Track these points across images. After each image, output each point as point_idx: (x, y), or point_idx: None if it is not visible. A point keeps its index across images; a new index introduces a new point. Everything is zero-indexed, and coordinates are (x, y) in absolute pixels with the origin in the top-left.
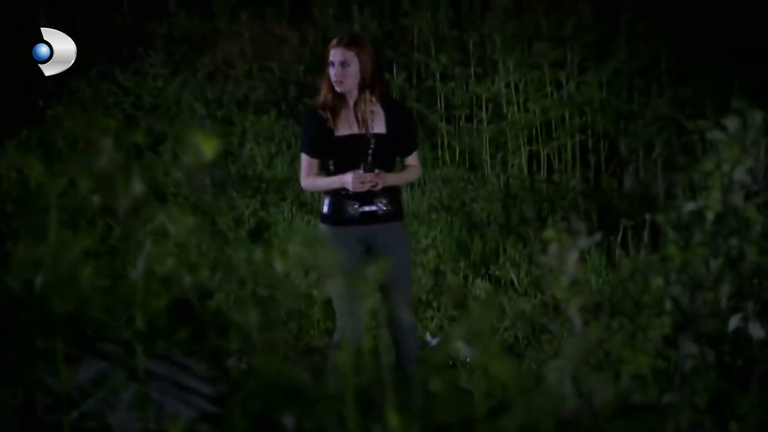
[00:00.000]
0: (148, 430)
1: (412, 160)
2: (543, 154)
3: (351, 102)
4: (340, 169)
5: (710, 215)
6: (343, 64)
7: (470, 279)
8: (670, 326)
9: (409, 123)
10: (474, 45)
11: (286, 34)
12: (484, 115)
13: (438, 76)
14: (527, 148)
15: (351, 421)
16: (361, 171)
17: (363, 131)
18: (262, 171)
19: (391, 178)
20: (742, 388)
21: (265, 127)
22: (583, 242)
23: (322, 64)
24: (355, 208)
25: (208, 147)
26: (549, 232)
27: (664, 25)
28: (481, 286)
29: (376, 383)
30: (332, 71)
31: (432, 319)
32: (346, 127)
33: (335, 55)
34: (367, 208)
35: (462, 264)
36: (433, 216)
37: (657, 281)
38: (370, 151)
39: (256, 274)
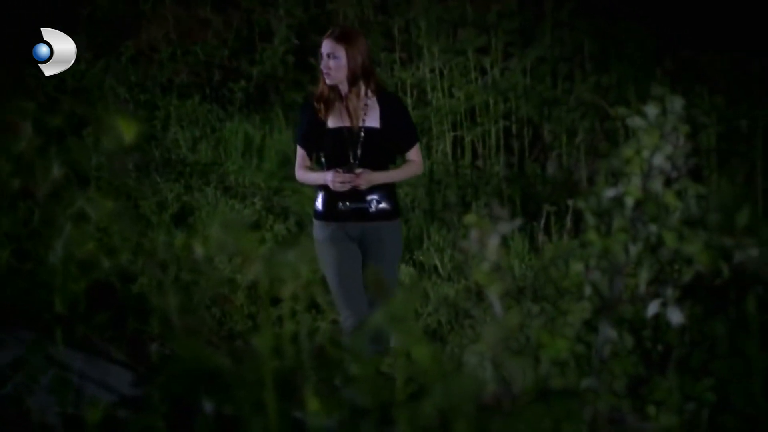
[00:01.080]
0: (67, 414)
1: (413, 155)
2: (467, 140)
3: (343, 95)
4: (330, 162)
5: (630, 201)
6: (331, 56)
7: None
8: (590, 311)
9: (406, 117)
10: (399, 30)
11: (211, 18)
12: (408, 100)
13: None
14: (451, 133)
15: (270, 406)
16: (341, 170)
17: (353, 124)
18: (186, 155)
19: (379, 177)
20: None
21: (189, 111)
22: (504, 227)
23: (247, 47)
24: (346, 205)
25: (128, 131)
26: (470, 218)
27: (588, 12)
28: (405, 272)
29: (296, 368)
30: (322, 63)
31: None
32: (337, 120)
33: (324, 46)
34: (357, 205)
35: None
36: None
37: (577, 267)
38: (359, 145)
39: (178, 258)
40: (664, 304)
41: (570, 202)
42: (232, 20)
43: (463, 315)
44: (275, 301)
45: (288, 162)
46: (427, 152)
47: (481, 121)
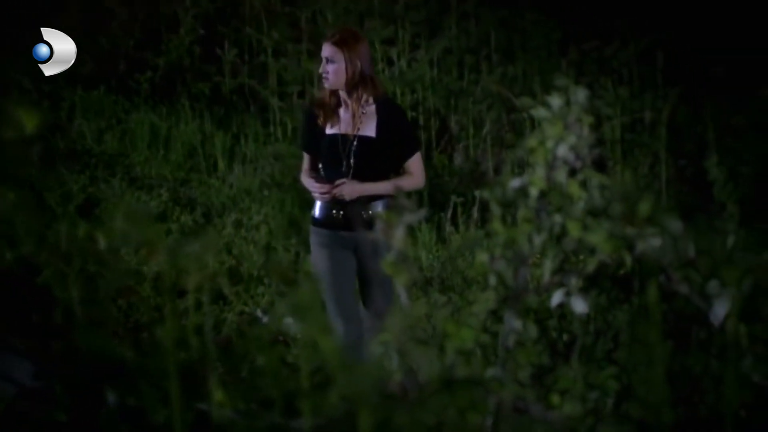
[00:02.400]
0: None
1: (412, 166)
2: None
3: (343, 99)
4: (326, 169)
5: (534, 191)
6: (329, 60)
7: (301, 255)
8: (495, 301)
9: (405, 127)
10: (306, 21)
11: (116, 9)
12: (315, 91)
13: (270, 52)
14: None
15: (174, 398)
16: (322, 180)
17: (347, 132)
18: (92, 146)
19: (365, 188)
20: (565, 361)
21: (94, 102)
22: (410, 218)
23: (153, 38)
24: (339, 213)
25: (29, 121)
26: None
27: (493, 3)
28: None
29: (201, 360)
30: (321, 67)
31: (263, 295)
32: (334, 127)
33: (323, 50)
34: (350, 214)
35: (294, 240)
36: (265, 192)
37: (482, 257)
38: (351, 154)
39: (82, 250)
40: (568, 294)
41: (477, 193)
42: (138, 11)
43: None
44: (182, 292)
45: (195, 152)
46: None
47: None
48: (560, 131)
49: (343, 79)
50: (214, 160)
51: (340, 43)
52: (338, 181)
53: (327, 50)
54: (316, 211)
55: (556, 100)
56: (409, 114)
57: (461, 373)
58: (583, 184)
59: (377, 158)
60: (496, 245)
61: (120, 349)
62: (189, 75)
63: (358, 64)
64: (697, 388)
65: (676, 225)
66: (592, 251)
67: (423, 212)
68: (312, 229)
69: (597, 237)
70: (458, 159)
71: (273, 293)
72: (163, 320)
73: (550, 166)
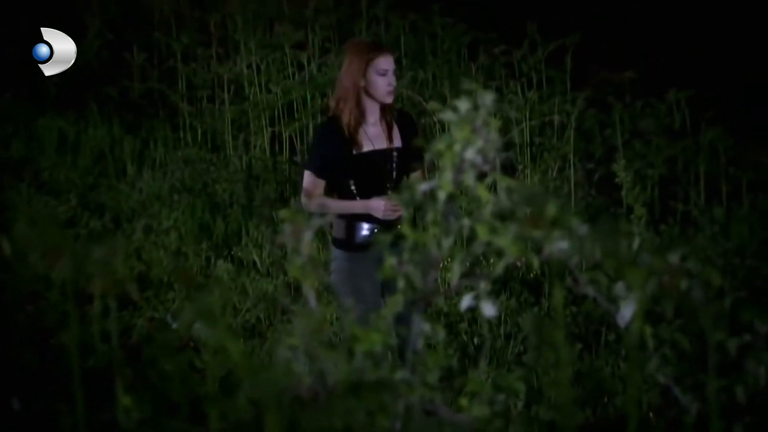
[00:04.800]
0: None
1: (421, 173)
2: (285, 135)
3: (376, 114)
4: (365, 190)
5: (442, 195)
6: (394, 72)
7: (212, 260)
8: (403, 304)
9: (417, 131)
10: (215, 26)
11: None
12: (226, 95)
13: (179, 56)
14: (269, 129)
15: (79, 404)
16: (385, 197)
17: (384, 146)
18: None
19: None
20: (474, 364)
21: (0, 108)
22: (317, 222)
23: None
24: (372, 231)
25: None
26: (284, 212)
27: (403, 7)
28: (223, 267)
29: (107, 365)
30: (383, 81)
31: (173, 300)
32: (366, 143)
33: (388, 63)
34: (388, 230)
35: (204, 245)
36: (175, 197)
37: (390, 260)
38: (393, 167)
39: None
40: (477, 298)
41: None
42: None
43: (282, 310)
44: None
45: (103, 157)
46: (245, 148)
47: (299, 117)
48: (468, 135)
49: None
50: (123, 165)
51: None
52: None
53: (391, 62)
54: (342, 232)
55: (463, 104)
56: (319, 118)
57: (370, 376)
58: (491, 187)
59: (407, 168)
60: (404, 248)
61: (25, 355)
62: (97, 79)
63: None
64: (606, 389)
65: (581, 227)
66: (500, 254)
67: (330, 216)
68: (342, 254)
69: (504, 240)
70: None
71: (183, 298)
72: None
73: (458, 170)
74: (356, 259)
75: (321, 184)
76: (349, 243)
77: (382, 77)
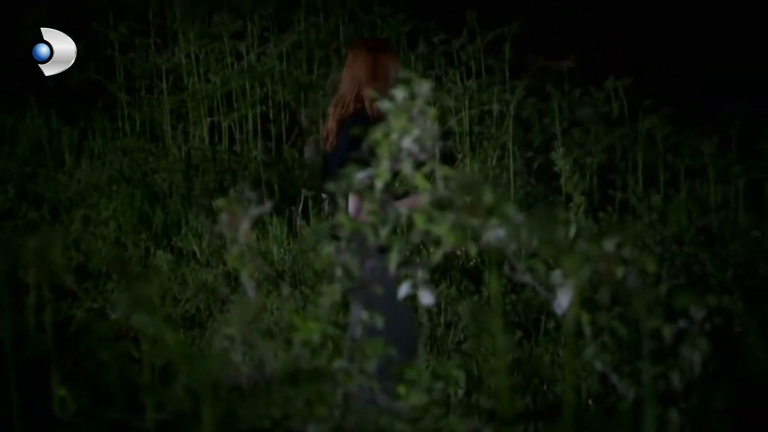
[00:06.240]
0: None
1: None
2: (224, 125)
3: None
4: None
5: (380, 183)
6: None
7: (152, 250)
8: (340, 293)
9: None
10: (154, 15)
11: None
12: (164, 85)
13: (117, 46)
14: (208, 119)
15: (13, 394)
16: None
17: None
18: None
19: None
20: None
21: None
22: (255, 211)
23: None
24: None
25: None
26: (221, 202)
27: None
28: (162, 258)
29: (42, 355)
30: (391, 76)
31: (113, 291)
32: None
33: (394, 60)
34: None
35: (143, 235)
36: (114, 187)
37: (328, 248)
38: None
39: None
40: (415, 286)
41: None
42: None
43: (222, 300)
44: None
45: (41, 147)
46: (184, 138)
47: (238, 106)
48: (405, 124)
49: None
50: (62, 156)
51: None
52: None
53: (396, 61)
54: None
55: (400, 93)
56: (259, 108)
57: (308, 365)
58: (429, 176)
59: None
60: (342, 237)
61: None
62: (34, 69)
63: None
64: (545, 377)
65: (518, 215)
66: (438, 243)
67: (268, 206)
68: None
69: (442, 228)
70: (308, 152)
71: (122, 289)
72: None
73: (396, 159)
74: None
75: None
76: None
77: (391, 73)
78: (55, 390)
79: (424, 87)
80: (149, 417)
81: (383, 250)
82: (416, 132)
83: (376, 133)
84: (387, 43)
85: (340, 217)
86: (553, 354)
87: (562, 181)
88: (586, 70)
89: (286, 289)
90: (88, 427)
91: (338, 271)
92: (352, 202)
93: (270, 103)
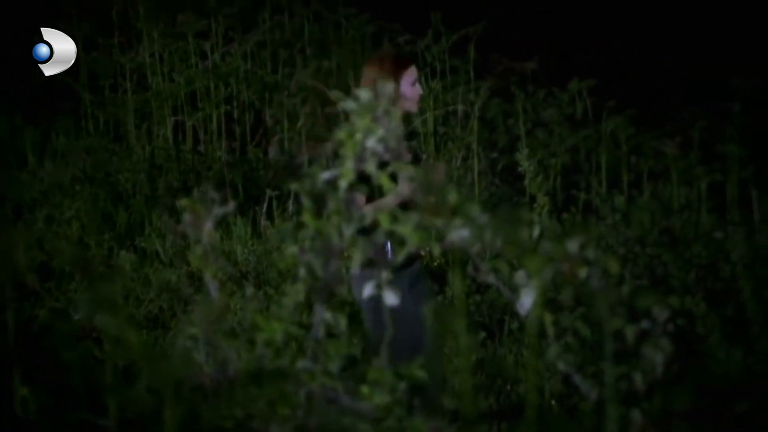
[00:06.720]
0: None
1: None
2: (188, 125)
3: None
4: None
5: (344, 184)
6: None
7: (115, 250)
8: (303, 293)
9: None
10: (117, 14)
11: None
12: (128, 85)
13: (81, 45)
14: (172, 118)
15: None
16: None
17: (408, 159)
18: None
19: None
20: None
21: None
22: (218, 211)
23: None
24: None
25: None
26: (184, 202)
27: None
28: (125, 258)
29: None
30: (414, 90)
31: (76, 291)
32: None
33: (413, 73)
34: None
35: (107, 235)
36: (77, 187)
37: (292, 249)
38: None
39: None
40: (379, 286)
41: (292, 187)
42: None
43: (185, 300)
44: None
45: (4, 147)
46: (148, 137)
47: (202, 106)
48: (368, 124)
49: None
50: (25, 155)
51: None
52: None
53: (416, 73)
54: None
55: (364, 93)
56: (223, 108)
57: (271, 365)
58: (393, 176)
59: None
60: (305, 237)
61: None
62: None
63: None
64: (509, 377)
65: (481, 216)
66: (402, 243)
67: (231, 206)
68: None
69: (405, 228)
70: (273, 152)
71: (85, 289)
72: None
73: (360, 159)
74: (402, 277)
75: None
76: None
77: (413, 87)
78: (17, 390)
79: (388, 87)
80: (112, 417)
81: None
82: (381, 132)
83: (340, 133)
84: (406, 55)
85: (304, 217)
86: (516, 354)
87: (526, 182)
88: (550, 71)
89: (249, 290)
90: (51, 427)
91: (302, 271)
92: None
93: (234, 102)
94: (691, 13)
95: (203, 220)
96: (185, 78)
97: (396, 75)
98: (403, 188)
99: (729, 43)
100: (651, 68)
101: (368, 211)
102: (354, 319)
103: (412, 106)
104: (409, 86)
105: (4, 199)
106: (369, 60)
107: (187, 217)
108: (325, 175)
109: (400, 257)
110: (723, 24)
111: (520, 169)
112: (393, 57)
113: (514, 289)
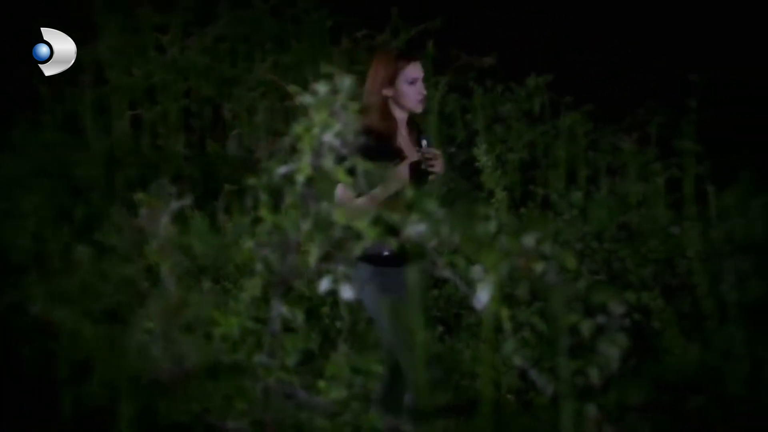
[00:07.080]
0: None
1: None
2: (147, 119)
3: (404, 126)
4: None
5: (301, 178)
6: (423, 80)
7: (73, 245)
8: (260, 288)
9: None
10: (75, 8)
11: None
12: (86, 78)
13: None
14: (131, 112)
15: None
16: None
17: (416, 158)
18: None
19: None
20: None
21: None
22: (175, 205)
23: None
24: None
25: None
26: (141, 196)
27: None
28: (83, 252)
29: None
30: (413, 89)
31: (32, 285)
32: (405, 153)
33: (419, 71)
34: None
35: (64, 230)
36: (34, 181)
37: (249, 243)
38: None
39: None
40: (336, 281)
41: (250, 181)
42: None
43: (143, 295)
44: None
45: None
46: (107, 131)
47: (161, 100)
48: (326, 118)
49: None
50: None
51: None
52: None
53: (420, 70)
54: (385, 247)
55: (322, 88)
56: (182, 102)
57: (228, 359)
58: (350, 171)
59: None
60: (262, 232)
61: None
62: None
63: None
64: (465, 372)
65: (438, 210)
66: (359, 237)
67: (187, 200)
68: (372, 269)
69: (362, 223)
70: (232, 147)
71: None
72: None
73: (317, 153)
74: (394, 275)
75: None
76: (383, 257)
77: (412, 86)
78: None
79: (346, 82)
80: (67, 412)
81: (384, 258)
82: (338, 126)
83: (298, 128)
84: (410, 51)
85: (261, 211)
86: (473, 349)
87: (484, 177)
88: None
89: (206, 284)
90: (5, 421)
91: (259, 266)
92: (339, 192)
93: (193, 97)
94: (649, 5)
95: (160, 214)
96: (144, 72)
97: (395, 73)
98: (394, 182)
99: (686, 38)
100: (608, 63)
101: (360, 203)
102: (312, 314)
103: (414, 106)
104: (407, 84)
105: None
106: (377, 56)
107: (143, 211)
108: (282, 170)
109: (357, 252)
110: (679, 18)
111: (477, 164)
112: (393, 54)
113: (471, 284)
